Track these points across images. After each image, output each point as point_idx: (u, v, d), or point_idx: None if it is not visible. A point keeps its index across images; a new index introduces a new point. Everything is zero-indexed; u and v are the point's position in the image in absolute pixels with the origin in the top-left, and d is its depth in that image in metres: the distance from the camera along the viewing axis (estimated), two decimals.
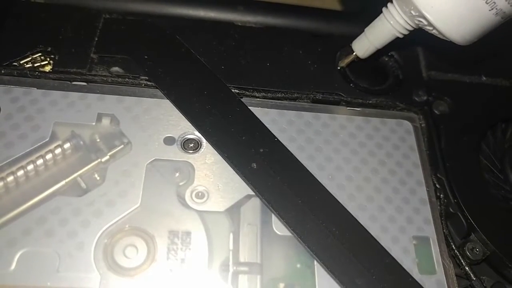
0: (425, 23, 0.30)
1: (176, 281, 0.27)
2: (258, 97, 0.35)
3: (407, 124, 0.35)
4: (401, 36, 0.32)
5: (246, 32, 0.38)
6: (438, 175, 0.33)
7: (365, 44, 0.34)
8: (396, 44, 0.38)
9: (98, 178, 0.30)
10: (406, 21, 0.31)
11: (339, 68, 0.37)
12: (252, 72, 0.35)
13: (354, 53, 0.35)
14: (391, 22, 0.31)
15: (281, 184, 0.30)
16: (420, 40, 0.39)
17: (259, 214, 0.30)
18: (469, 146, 0.35)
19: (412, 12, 0.30)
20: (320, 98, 0.35)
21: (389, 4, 0.32)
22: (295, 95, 0.35)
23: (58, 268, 0.26)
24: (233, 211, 0.30)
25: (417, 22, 0.30)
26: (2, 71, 0.32)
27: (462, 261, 0.30)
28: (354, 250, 0.28)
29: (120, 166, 0.30)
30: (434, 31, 0.30)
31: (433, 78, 0.38)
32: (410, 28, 0.31)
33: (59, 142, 0.30)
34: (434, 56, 0.39)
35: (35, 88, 0.32)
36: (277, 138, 0.32)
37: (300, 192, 0.30)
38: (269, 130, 0.32)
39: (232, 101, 0.33)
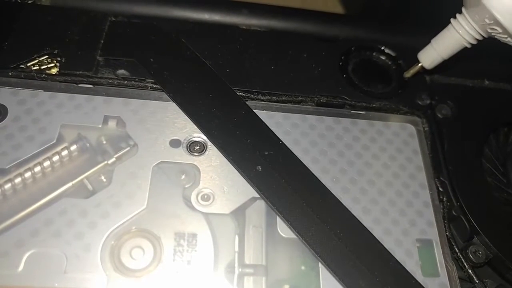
0: (500, 31, 0.29)
1: (182, 283, 0.27)
2: (263, 100, 0.35)
3: (411, 128, 0.36)
4: (469, 46, 0.32)
5: (251, 36, 0.38)
6: (441, 178, 0.34)
7: (432, 55, 0.34)
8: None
9: (104, 180, 0.30)
10: (477, 30, 0.31)
11: (404, 79, 0.37)
12: (256, 75, 0.36)
13: (420, 64, 0.35)
14: (460, 31, 0.31)
15: (286, 186, 0.30)
16: None
17: (264, 217, 0.30)
18: (472, 150, 0.35)
19: (487, 20, 0.29)
20: (324, 101, 0.36)
21: (458, 15, 0.31)
22: (300, 98, 0.35)
23: (65, 269, 0.26)
24: (239, 213, 0.30)
25: (489, 30, 0.30)
26: (10, 74, 0.33)
27: (465, 264, 0.31)
28: (358, 252, 0.29)
29: (126, 168, 0.30)
30: (508, 39, 0.30)
31: (436, 82, 0.38)
32: (480, 38, 0.31)
33: (66, 144, 0.31)
34: None
35: (42, 91, 0.32)
36: (282, 141, 0.32)
37: (305, 194, 0.30)
38: (274, 133, 0.32)
39: (237, 104, 0.33)
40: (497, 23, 0.29)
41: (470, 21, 0.31)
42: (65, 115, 0.32)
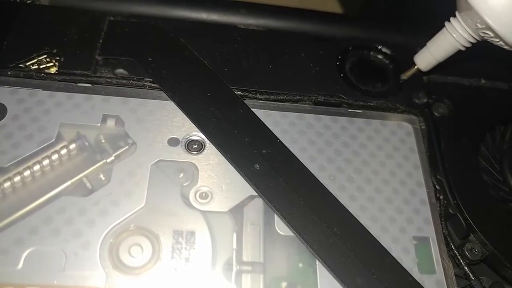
0: (492, 35, 0.30)
1: (180, 280, 0.27)
2: (260, 99, 0.35)
3: (407, 126, 0.36)
4: (463, 49, 0.32)
5: (249, 35, 0.39)
6: (438, 176, 0.34)
7: (428, 57, 0.34)
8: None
9: (103, 178, 0.30)
10: (470, 34, 0.31)
11: (400, 81, 0.38)
12: (254, 75, 0.36)
13: (416, 67, 0.36)
14: (454, 35, 0.32)
15: (284, 185, 0.30)
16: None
17: (262, 215, 0.30)
18: (469, 148, 0.35)
19: (478, 25, 0.29)
20: (322, 100, 0.36)
21: (452, 18, 0.32)
22: (297, 97, 0.36)
23: (64, 266, 0.27)
24: (237, 211, 0.30)
25: (482, 34, 0.30)
26: (9, 73, 0.33)
27: (461, 261, 0.31)
28: (355, 250, 0.29)
29: (125, 167, 0.30)
30: (500, 43, 0.30)
31: (433, 81, 0.39)
32: (474, 41, 0.32)
33: (65, 143, 0.31)
34: None
35: (41, 90, 0.33)
36: (279, 140, 0.32)
37: (302, 192, 0.30)
38: (272, 132, 0.33)
39: (235, 103, 0.33)
40: (488, 27, 0.29)
41: (463, 25, 0.31)
42: (64, 114, 0.32)
